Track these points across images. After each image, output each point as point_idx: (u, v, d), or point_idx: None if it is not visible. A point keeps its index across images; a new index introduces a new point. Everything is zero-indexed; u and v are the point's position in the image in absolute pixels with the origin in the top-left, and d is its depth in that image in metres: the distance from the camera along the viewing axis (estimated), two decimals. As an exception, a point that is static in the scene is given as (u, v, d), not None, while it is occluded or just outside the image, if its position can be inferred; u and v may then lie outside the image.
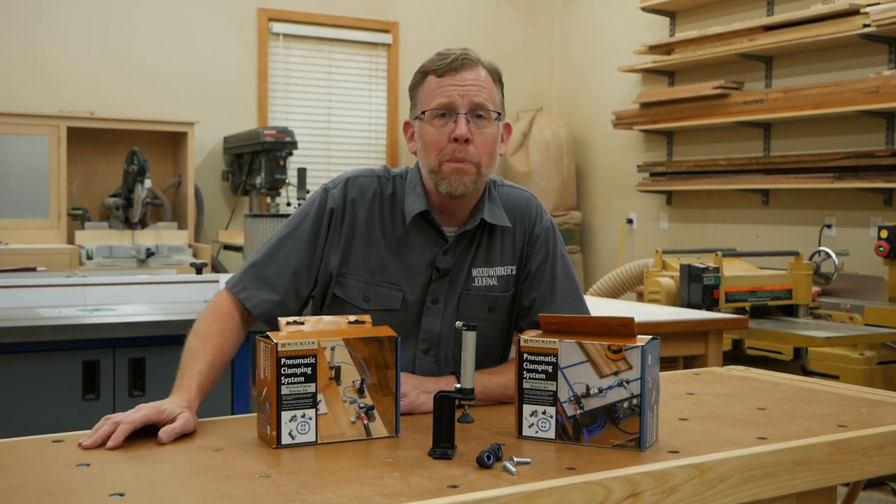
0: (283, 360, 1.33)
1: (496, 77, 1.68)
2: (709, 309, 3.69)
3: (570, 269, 1.79)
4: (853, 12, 4.81)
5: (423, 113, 1.64)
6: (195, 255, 5.35)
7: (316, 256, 1.69)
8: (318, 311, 1.73)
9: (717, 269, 3.79)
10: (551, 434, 1.38)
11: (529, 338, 1.40)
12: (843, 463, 1.40)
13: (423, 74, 1.67)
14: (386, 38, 6.64)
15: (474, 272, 1.71)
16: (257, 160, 5.68)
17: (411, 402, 1.55)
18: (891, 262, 4.19)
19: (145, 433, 1.35)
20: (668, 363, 3.35)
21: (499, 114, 1.66)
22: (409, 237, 1.69)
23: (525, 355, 1.39)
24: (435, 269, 1.68)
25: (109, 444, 1.30)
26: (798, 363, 3.98)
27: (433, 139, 1.63)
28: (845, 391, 1.81)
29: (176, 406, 1.40)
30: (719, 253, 3.92)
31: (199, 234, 5.86)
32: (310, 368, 1.35)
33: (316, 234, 1.69)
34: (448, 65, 1.62)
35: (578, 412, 1.36)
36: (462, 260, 1.71)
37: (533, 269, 1.74)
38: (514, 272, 1.74)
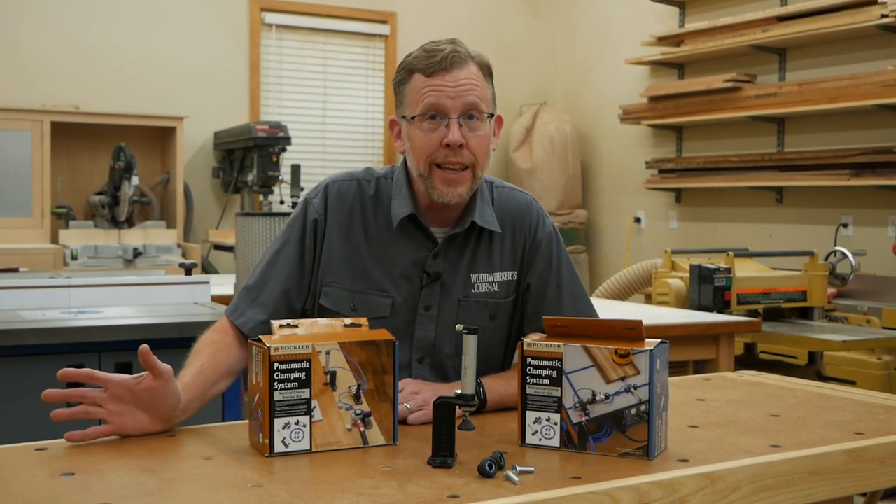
0: (275, 365, 1.30)
1: (486, 71, 1.61)
2: (720, 311, 3.66)
3: (574, 272, 1.75)
4: (870, 2, 4.76)
5: (413, 117, 1.58)
6: (184, 256, 5.30)
7: (306, 271, 1.66)
8: None
9: (728, 270, 3.75)
10: (555, 442, 1.36)
11: (533, 341, 1.38)
12: (859, 472, 1.39)
13: (409, 72, 1.59)
14: (383, 29, 6.60)
15: (474, 278, 1.65)
16: (249, 156, 5.62)
17: (427, 414, 1.48)
18: (909, 262, 4.16)
19: (134, 440, 1.34)
20: (677, 368, 3.33)
21: (491, 113, 1.61)
22: (396, 240, 1.64)
23: (528, 360, 1.37)
24: (425, 273, 1.63)
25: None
26: (813, 368, 3.96)
27: (423, 143, 1.57)
28: (862, 397, 1.80)
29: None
30: (731, 253, 3.88)
31: (189, 234, 5.81)
32: (304, 373, 1.32)
33: (303, 248, 1.65)
34: (437, 63, 1.55)
35: (584, 419, 1.34)
36: (455, 264, 1.65)
37: (534, 281, 1.69)
38: (514, 277, 1.69)
